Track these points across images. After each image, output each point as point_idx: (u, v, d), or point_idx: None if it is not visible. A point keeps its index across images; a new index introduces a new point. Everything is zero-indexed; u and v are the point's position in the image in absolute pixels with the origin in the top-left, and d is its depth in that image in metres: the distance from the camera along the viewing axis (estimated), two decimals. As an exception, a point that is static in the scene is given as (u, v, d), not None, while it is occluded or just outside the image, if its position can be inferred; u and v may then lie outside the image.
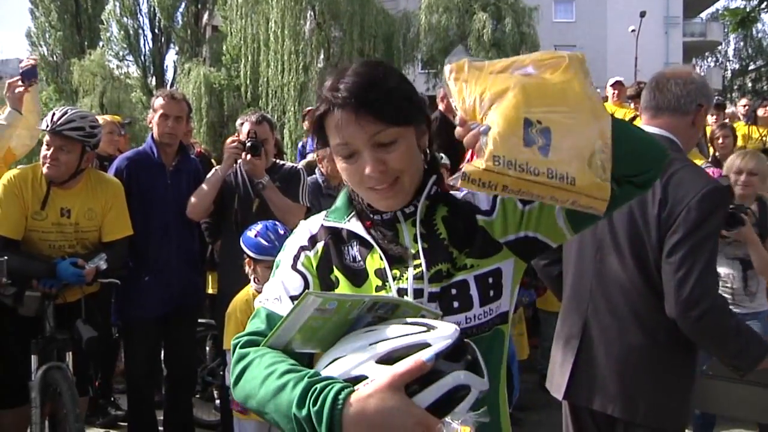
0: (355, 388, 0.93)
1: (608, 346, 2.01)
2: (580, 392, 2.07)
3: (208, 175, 3.44)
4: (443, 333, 0.96)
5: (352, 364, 0.97)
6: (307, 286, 1.17)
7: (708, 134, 6.09)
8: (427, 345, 0.94)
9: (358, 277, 1.17)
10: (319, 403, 0.91)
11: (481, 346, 1.04)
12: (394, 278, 1.14)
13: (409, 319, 1.04)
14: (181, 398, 3.62)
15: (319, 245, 1.21)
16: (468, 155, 5.02)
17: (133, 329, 3.51)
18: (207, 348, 4.34)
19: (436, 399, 0.92)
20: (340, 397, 0.90)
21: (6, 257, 2.81)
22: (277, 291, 1.17)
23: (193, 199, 3.39)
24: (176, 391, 3.62)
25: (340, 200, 1.25)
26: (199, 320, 3.91)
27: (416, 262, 1.15)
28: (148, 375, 3.56)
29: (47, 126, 2.92)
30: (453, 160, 5.02)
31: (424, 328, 0.98)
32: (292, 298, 1.14)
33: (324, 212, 1.26)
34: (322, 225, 1.23)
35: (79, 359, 3.01)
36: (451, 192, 1.23)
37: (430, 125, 1.21)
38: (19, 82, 3.33)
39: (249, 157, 3.24)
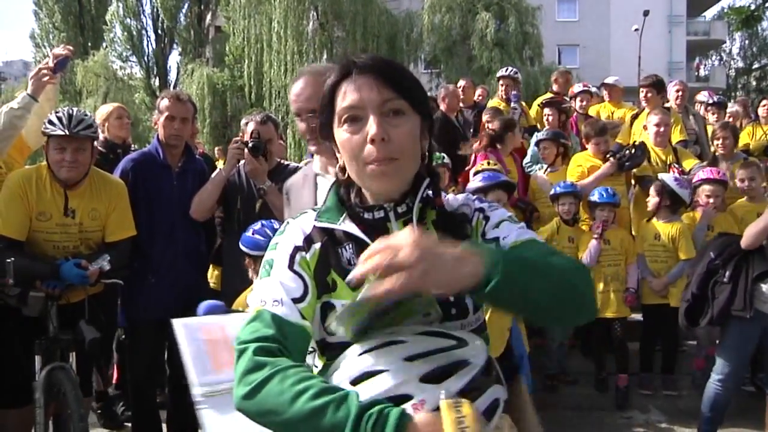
0: (405, 407, 0.92)
1: None
2: None
3: (212, 175, 3.45)
4: (477, 349, 0.99)
5: (394, 382, 0.95)
6: (306, 288, 1.13)
7: (709, 132, 6.07)
8: (466, 362, 0.96)
9: None
10: (378, 430, 0.89)
11: None
12: None
13: (431, 328, 1.04)
14: (184, 398, 3.61)
15: (316, 246, 1.17)
16: (472, 159, 5.01)
17: (137, 330, 3.51)
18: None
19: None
20: (402, 424, 0.89)
21: (12, 259, 2.82)
22: (276, 293, 1.11)
23: (196, 199, 3.40)
24: (180, 391, 3.62)
25: (330, 200, 1.22)
26: (203, 320, 3.91)
27: None
28: (152, 375, 3.57)
29: (63, 131, 2.91)
30: (454, 160, 5.03)
31: (454, 342, 0.99)
32: (295, 300, 1.11)
33: (313, 211, 1.23)
34: (314, 226, 1.19)
35: (82, 359, 3.02)
36: (444, 199, 1.24)
37: (433, 131, 1.21)
38: (50, 71, 3.26)
39: (249, 156, 3.23)
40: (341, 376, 1.01)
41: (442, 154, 4.56)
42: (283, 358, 1.02)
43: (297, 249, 1.16)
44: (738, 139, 5.29)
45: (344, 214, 1.18)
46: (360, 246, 1.14)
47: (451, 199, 1.26)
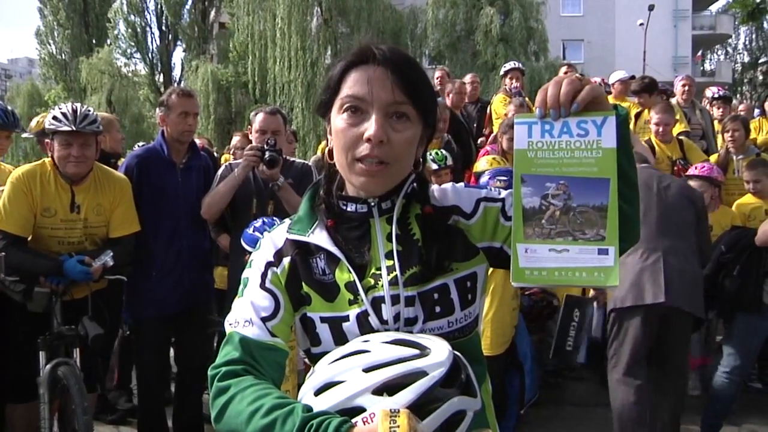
0: (353, 421, 0.91)
1: None
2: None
3: (220, 174, 3.42)
4: (438, 358, 0.95)
5: (348, 394, 0.95)
6: (278, 304, 1.12)
7: (716, 127, 6.02)
8: (423, 373, 0.93)
9: (329, 291, 1.11)
10: None
11: (467, 352, 1.05)
12: (367, 288, 1.09)
13: (401, 336, 1.02)
14: (190, 395, 3.63)
15: (286, 261, 1.15)
16: (481, 152, 4.95)
17: (143, 327, 3.51)
18: (215, 344, 4.34)
19: (434, 429, 0.92)
20: None
21: (4, 253, 2.83)
22: (247, 313, 1.12)
23: (208, 200, 3.36)
24: (186, 388, 3.63)
25: (302, 209, 1.18)
26: (208, 317, 3.91)
27: (389, 263, 1.10)
28: (158, 372, 3.58)
29: (70, 126, 2.91)
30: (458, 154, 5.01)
31: (418, 351, 0.97)
32: (263, 320, 1.10)
33: (288, 221, 1.20)
34: (286, 238, 1.16)
35: (86, 355, 3.02)
36: (430, 190, 1.19)
37: (432, 137, 1.18)
38: None
39: (266, 169, 3.19)
40: (308, 385, 1.02)
41: (445, 154, 4.51)
42: (249, 376, 1.05)
43: (269, 265, 1.15)
44: (749, 132, 5.22)
45: (314, 223, 1.15)
46: (330, 256, 1.12)
47: (437, 190, 1.20)
